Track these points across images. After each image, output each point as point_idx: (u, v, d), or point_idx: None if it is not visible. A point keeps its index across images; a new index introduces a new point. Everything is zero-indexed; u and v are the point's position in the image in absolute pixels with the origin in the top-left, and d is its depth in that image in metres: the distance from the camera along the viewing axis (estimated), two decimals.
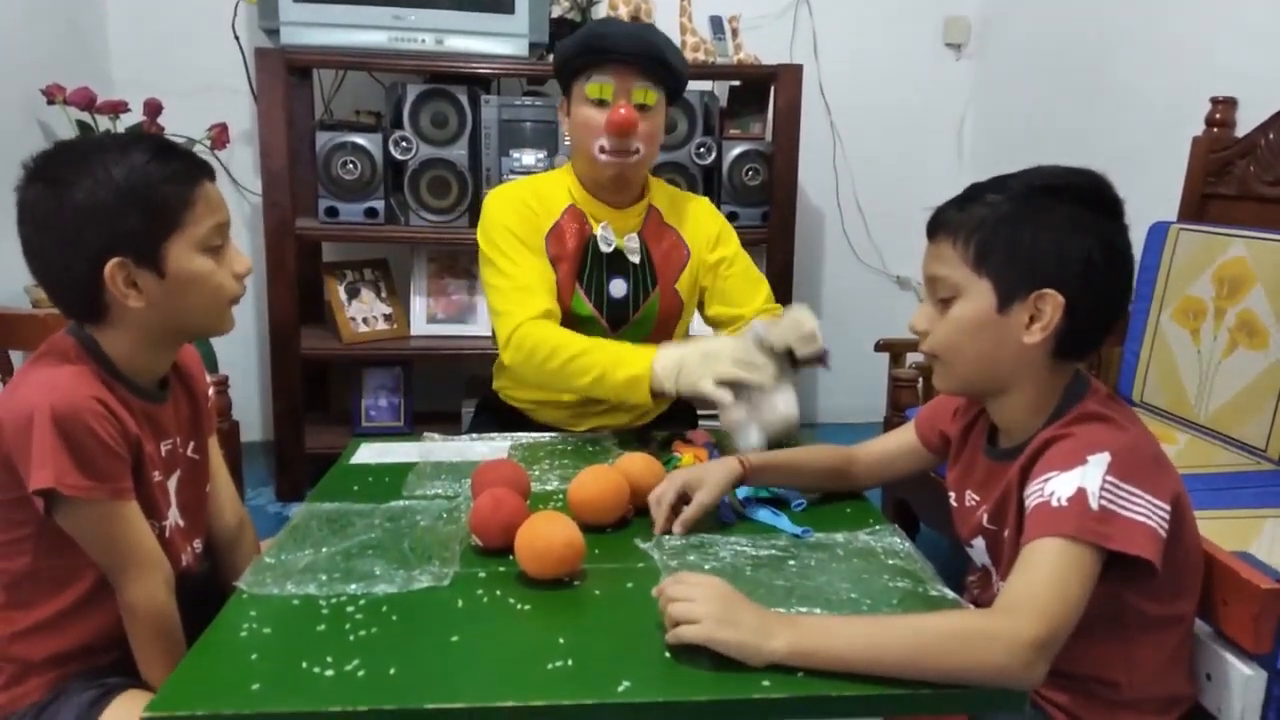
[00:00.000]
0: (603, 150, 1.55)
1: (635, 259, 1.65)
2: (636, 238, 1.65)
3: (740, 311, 1.70)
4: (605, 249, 1.63)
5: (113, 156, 1.01)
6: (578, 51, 1.56)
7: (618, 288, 1.65)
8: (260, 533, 1.37)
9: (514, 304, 1.54)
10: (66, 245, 1.02)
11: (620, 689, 0.85)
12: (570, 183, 1.66)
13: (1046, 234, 0.99)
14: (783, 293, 2.90)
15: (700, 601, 0.89)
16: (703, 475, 1.21)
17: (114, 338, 1.07)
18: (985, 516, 1.10)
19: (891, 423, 2.29)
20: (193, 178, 1.06)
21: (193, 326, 1.13)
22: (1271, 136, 2.06)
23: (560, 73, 1.61)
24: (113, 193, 1.00)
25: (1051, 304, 0.99)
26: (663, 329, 1.70)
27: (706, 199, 1.79)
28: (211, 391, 1.31)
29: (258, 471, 2.97)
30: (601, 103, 1.55)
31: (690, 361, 1.40)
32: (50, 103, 2.36)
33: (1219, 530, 1.48)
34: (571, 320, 1.62)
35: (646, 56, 1.54)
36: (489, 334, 1.74)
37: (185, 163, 1.06)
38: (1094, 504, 0.91)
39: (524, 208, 1.60)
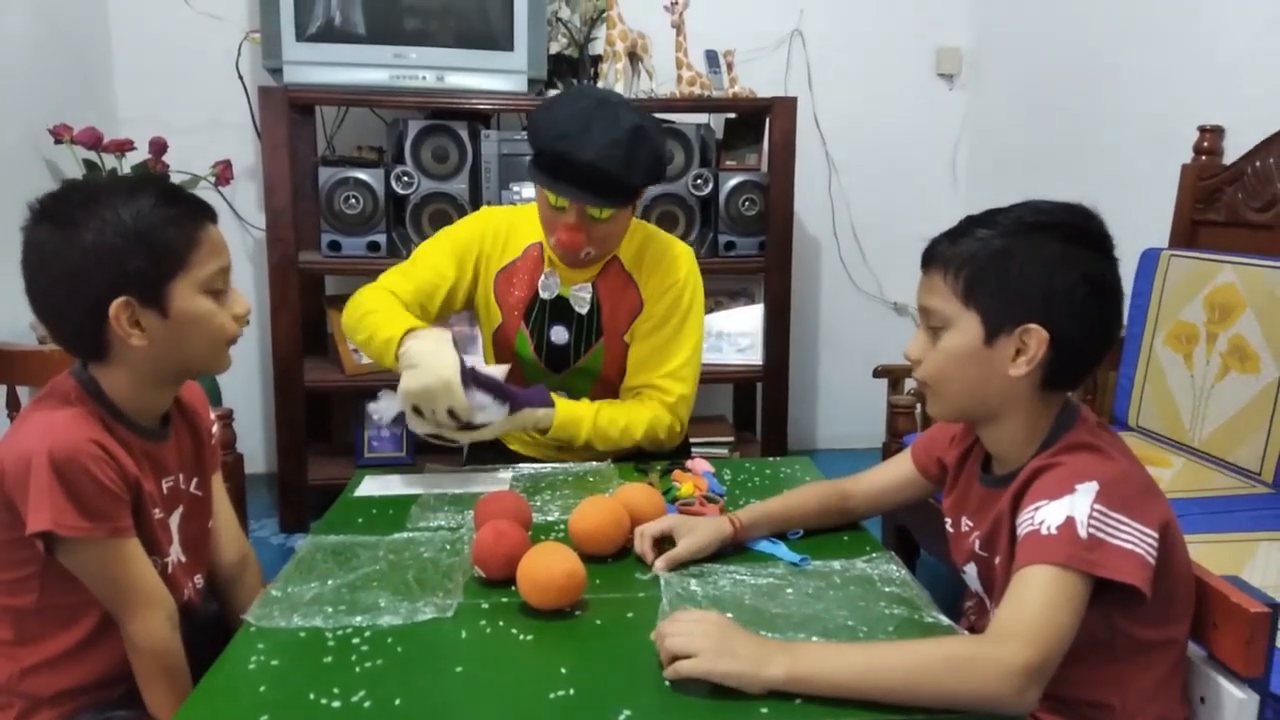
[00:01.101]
0: (557, 245, 1.56)
1: (583, 309, 1.64)
2: (589, 287, 1.64)
3: (632, 380, 1.66)
4: (546, 296, 1.64)
5: (120, 199, 1.04)
6: (542, 157, 1.50)
7: (559, 334, 1.66)
8: (264, 564, 1.39)
9: (382, 278, 1.62)
10: (72, 285, 1.04)
11: (621, 718, 0.86)
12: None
13: (1033, 269, 1.01)
14: (781, 320, 2.93)
15: (697, 636, 0.91)
16: (693, 525, 1.22)
17: (115, 377, 1.09)
18: (978, 543, 1.11)
19: (890, 449, 2.31)
20: (196, 220, 1.09)
21: (191, 366, 1.15)
22: (1259, 164, 2.09)
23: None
24: (120, 234, 1.03)
25: (1036, 338, 1.01)
26: (611, 378, 1.69)
27: (688, 251, 1.69)
28: (216, 427, 1.32)
29: (261, 503, 2.98)
30: (560, 208, 1.52)
31: (425, 375, 1.39)
32: (58, 142, 2.40)
33: (1213, 554, 1.50)
34: (515, 360, 1.67)
35: (607, 184, 1.47)
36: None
37: (189, 205, 1.09)
38: (1083, 532, 0.93)
39: (482, 236, 1.66)
